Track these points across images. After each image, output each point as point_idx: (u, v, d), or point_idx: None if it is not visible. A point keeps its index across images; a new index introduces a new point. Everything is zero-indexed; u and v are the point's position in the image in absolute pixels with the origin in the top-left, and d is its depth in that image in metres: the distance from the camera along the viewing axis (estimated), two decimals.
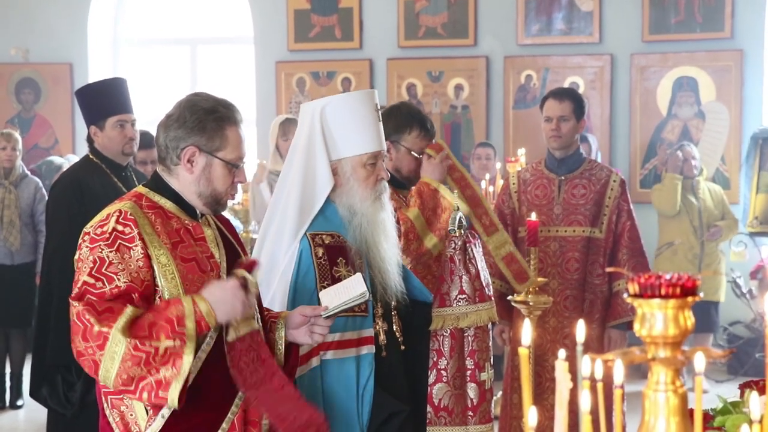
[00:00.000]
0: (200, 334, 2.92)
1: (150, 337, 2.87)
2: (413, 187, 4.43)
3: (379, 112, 3.71)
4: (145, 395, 2.89)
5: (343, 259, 3.59)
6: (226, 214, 3.45)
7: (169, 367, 2.86)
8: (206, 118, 3.09)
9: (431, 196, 4.33)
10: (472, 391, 3.86)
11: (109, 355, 2.87)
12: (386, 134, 4.36)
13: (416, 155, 4.40)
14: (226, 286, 2.96)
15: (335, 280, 3.53)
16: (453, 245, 3.90)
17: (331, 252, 3.58)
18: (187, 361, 2.87)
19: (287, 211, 3.61)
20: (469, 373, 3.86)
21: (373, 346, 3.61)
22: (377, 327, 3.66)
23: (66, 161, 9.22)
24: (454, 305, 3.85)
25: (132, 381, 2.89)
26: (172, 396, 2.87)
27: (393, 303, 3.72)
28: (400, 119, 4.40)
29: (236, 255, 3.27)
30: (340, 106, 3.66)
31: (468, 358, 3.86)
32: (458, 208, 4.13)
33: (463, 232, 3.95)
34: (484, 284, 3.90)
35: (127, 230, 3.00)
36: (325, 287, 3.50)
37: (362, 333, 3.60)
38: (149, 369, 2.87)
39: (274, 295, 3.56)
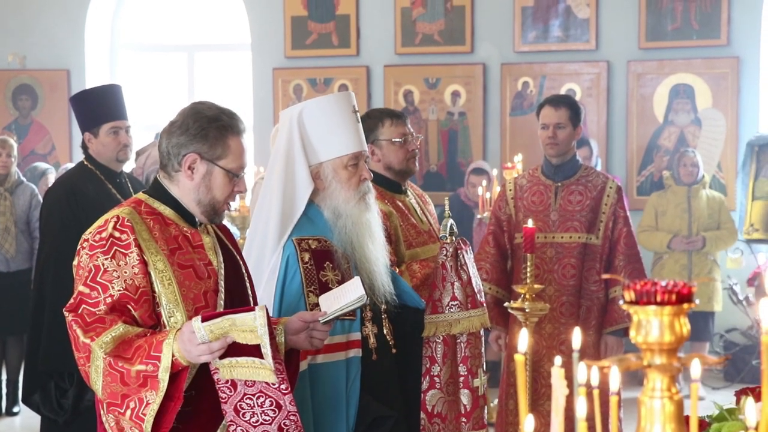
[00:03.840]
0: (176, 367, 2.89)
1: (127, 359, 2.87)
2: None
3: (357, 114, 3.71)
4: (128, 412, 2.90)
5: (329, 264, 3.59)
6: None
7: (149, 389, 2.87)
8: (209, 126, 3.10)
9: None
10: (465, 397, 3.86)
11: (94, 367, 2.91)
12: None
13: (399, 140, 4.41)
14: (184, 337, 2.89)
15: (322, 285, 3.53)
16: (445, 252, 3.89)
17: (318, 257, 3.58)
18: (163, 386, 2.86)
19: (270, 218, 3.61)
20: (462, 379, 3.85)
21: (360, 350, 3.61)
22: (366, 330, 3.66)
23: (51, 168, 9.24)
24: (447, 312, 3.85)
25: (118, 396, 2.91)
26: (149, 419, 2.88)
27: (383, 306, 3.72)
28: (370, 120, 4.42)
29: (235, 262, 3.28)
30: (316, 110, 3.66)
31: (461, 365, 3.86)
32: (449, 215, 4.13)
33: (454, 238, 3.94)
34: (476, 290, 3.89)
35: (123, 237, 3.01)
36: (312, 292, 3.50)
37: (350, 336, 3.60)
38: (128, 388, 2.89)
39: (261, 302, 3.56)
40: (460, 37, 9.68)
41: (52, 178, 9.25)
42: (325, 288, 3.53)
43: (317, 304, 3.50)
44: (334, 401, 3.54)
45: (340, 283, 3.57)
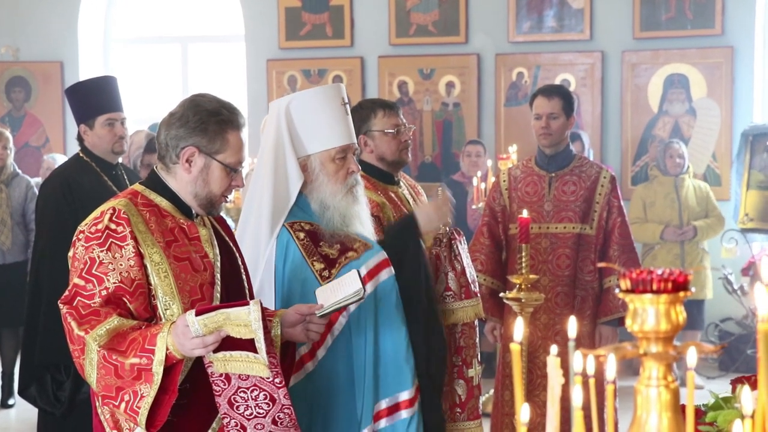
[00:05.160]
0: (170, 360, 2.88)
1: (122, 352, 2.87)
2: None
3: (347, 106, 3.70)
4: (123, 405, 2.90)
5: (324, 242, 3.59)
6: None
7: (143, 382, 2.87)
8: (209, 120, 3.09)
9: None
10: (459, 387, 3.86)
11: (89, 360, 2.91)
12: (356, 130, 4.36)
13: (391, 131, 4.40)
14: (178, 331, 2.88)
15: (324, 257, 3.52)
16: (438, 242, 3.89)
17: (312, 235, 3.58)
18: (157, 379, 2.86)
19: (262, 209, 3.61)
20: (456, 369, 3.85)
21: (391, 269, 3.63)
22: None
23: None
24: (441, 302, 3.85)
25: (112, 389, 2.90)
26: (143, 412, 2.87)
27: None
28: (362, 111, 4.41)
29: (231, 255, 3.27)
30: (303, 102, 3.65)
31: (455, 355, 3.86)
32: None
33: (448, 229, 3.94)
34: (470, 281, 3.89)
35: (119, 228, 3.00)
36: (315, 260, 3.50)
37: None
38: (123, 381, 2.88)
39: (261, 291, 3.56)
40: (455, 28, 9.67)
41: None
42: (327, 258, 3.53)
43: (324, 268, 3.50)
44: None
45: (340, 252, 3.57)
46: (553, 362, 1.63)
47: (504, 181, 5.53)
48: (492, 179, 6.93)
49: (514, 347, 1.68)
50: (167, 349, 2.85)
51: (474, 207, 7.81)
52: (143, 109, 10.56)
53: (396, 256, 3.63)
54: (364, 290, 3.22)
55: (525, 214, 4.77)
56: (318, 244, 3.57)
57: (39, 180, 8.26)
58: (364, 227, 3.66)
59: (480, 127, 9.69)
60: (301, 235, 3.57)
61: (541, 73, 9.47)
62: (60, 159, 9.23)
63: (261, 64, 10.13)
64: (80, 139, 5.27)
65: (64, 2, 10.47)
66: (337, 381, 3.52)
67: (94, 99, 5.22)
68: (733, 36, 9.08)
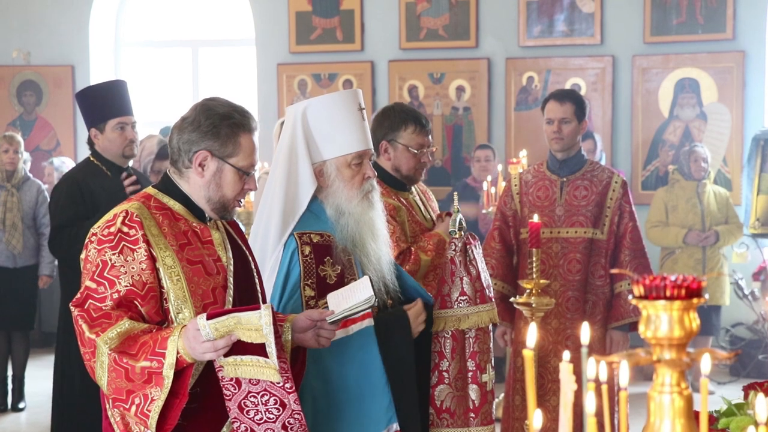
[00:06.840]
0: (181, 364, 2.88)
1: (132, 356, 2.87)
2: (435, 231, 4.43)
3: (363, 112, 3.69)
4: (133, 408, 2.90)
5: (330, 258, 3.58)
6: None
7: (154, 386, 2.87)
8: (221, 124, 3.09)
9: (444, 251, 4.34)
10: (473, 392, 3.86)
11: (99, 363, 2.91)
12: (382, 134, 4.37)
13: (414, 151, 4.41)
14: (189, 334, 2.88)
15: (320, 279, 3.52)
16: (454, 247, 3.89)
17: (318, 250, 3.56)
18: (167, 383, 2.86)
19: (272, 214, 3.60)
20: (470, 374, 3.85)
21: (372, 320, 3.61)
22: None
23: None
24: (455, 307, 3.85)
25: (123, 392, 2.90)
26: (153, 416, 2.87)
27: (389, 301, 3.72)
28: (395, 118, 4.41)
29: (244, 258, 3.26)
30: (320, 107, 3.64)
31: (469, 360, 3.85)
32: (458, 210, 4.13)
33: (463, 233, 3.94)
34: (484, 285, 3.89)
35: (132, 232, 3.00)
36: (308, 285, 3.49)
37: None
38: (133, 384, 2.88)
39: (268, 298, 3.55)
40: (465, 32, 9.67)
41: None
42: (322, 282, 3.52)
43: (312, 297, 3.49)
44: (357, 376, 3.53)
45: (339, 277, 3.56)
46: (565, 368, 1.63)
47: (515, 185, 5.53)
48: (502, 184, 6.93)
49: (527, 353, 1.68)
50: (178, 352, 2.85)
51: (484, 211, 7.81)
52: (153, 112, 10.58)
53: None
54: (376, 297, 3.21)
55: (536, 218, 4.76)
56: (322, 260, 3.56)
57: (46, 186, 8.28)
58: (377, 235, 3.65)
59: (490, 132, 9.68)
60: (307, 249, 3.56)
61: (551, 78, 9.46)
62: (58, 162, 9.30)
63: (271, 68, 10.14)
64: (91, 142, 5.29)
65: (75, 6, 10.49)
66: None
67: (104, 103, 5.24)
68: (745, 40, 9.06)
